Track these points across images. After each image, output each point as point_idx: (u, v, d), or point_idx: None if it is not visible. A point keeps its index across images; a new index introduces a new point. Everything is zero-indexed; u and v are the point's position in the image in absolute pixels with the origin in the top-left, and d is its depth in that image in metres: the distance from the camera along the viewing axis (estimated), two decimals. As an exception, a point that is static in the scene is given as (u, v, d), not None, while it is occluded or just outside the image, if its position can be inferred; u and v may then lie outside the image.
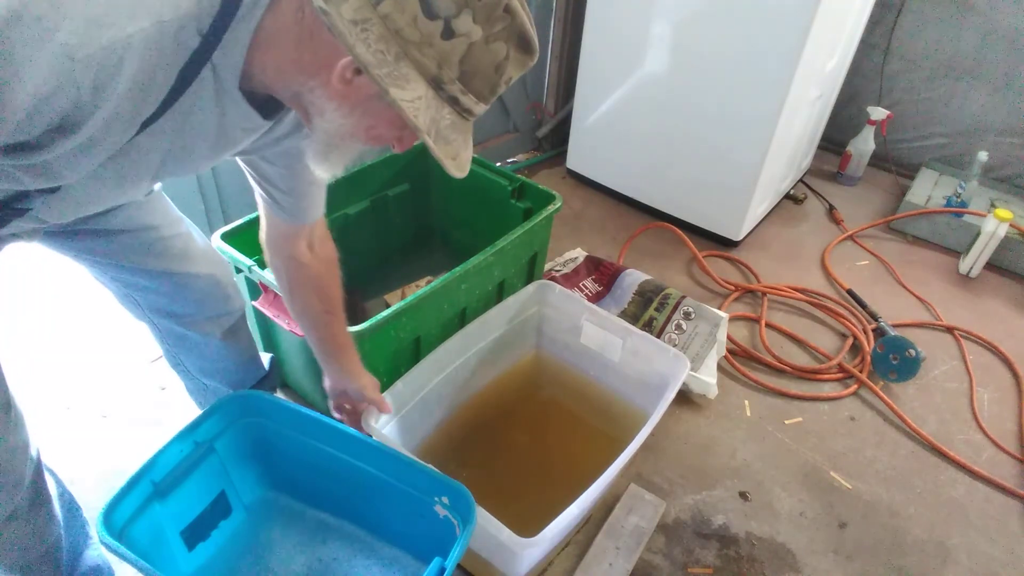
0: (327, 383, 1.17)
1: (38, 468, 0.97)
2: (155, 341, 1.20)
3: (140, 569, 0.90)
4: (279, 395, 1.21)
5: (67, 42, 0.55)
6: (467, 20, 0.64)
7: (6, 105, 0.55)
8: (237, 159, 0.92)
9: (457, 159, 0.72)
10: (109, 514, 0.96)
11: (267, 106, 0.75)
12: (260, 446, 1.20)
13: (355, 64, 0.64)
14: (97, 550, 1.15)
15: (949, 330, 1.96)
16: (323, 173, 0.77)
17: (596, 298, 1.84)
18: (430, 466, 1.04)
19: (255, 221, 1.35)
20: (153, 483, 1.04)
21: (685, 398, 1.64)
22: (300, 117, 0.76)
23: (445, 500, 1.03)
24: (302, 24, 0.66)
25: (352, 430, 1.10)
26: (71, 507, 1.06)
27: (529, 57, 0.72)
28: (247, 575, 1.18)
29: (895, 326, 1.90)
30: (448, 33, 0.64)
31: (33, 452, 0.94)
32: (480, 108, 0.72)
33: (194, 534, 1.14)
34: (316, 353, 1.14)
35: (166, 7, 0.59)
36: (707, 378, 1.60)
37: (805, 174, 2.65)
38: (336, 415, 1.20)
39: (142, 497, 1.02)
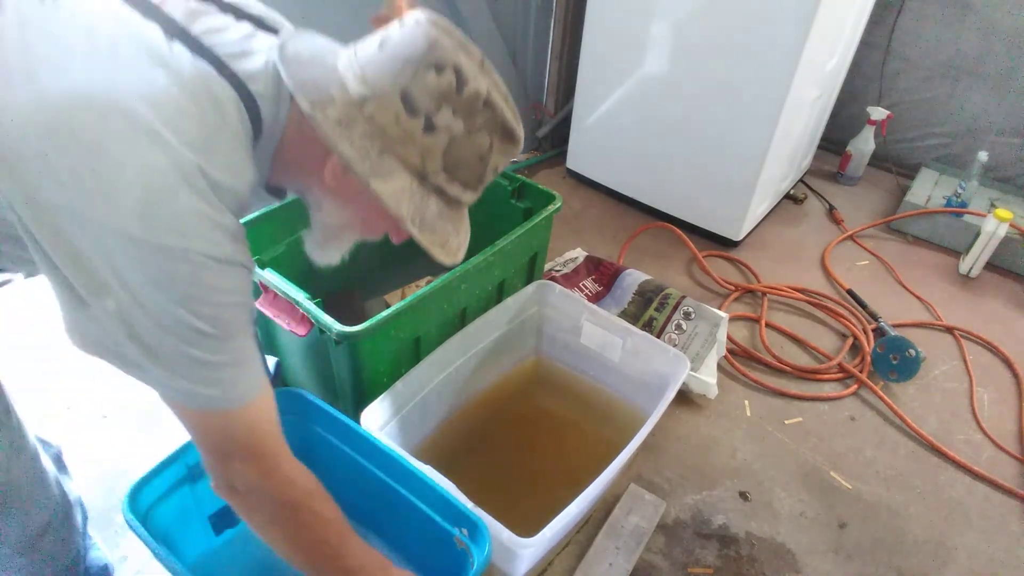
0: None
1: (62, 471, 0.99)
2: None
3: (155, 554, 0.91)
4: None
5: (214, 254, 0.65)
6: (447, 115, 0.68)
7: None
8: None
9: (446, 246, 0.75)
10: (136, 494, 0.97)
11: (279, 191, 0.82)
12: (299, 444, 1.17)
13: (342, 162, 0.69)
14: (99, 550, 1.15)
15: (949, 330, 1.96)
16: (321, 261, 0.82)
17: (596, 298, 1.84)
18: (456, 496, 1.03)
19: (253, 221, 1.36)
20: (187, 466, 1.04)
21: (685, 398, 1.64)
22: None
23: (465, 532, 1.02)
24: (302, 128, 0.71)
25: (386, 446, 1.08)
26: (82, 511, 1.07)
27: (514, 146, 0.75)
28: (264, 562, 1.17)
29: (895, 326, 1.90)
30: (430, 128, 0.68)
31: (49, 465, 0.96)
32: (468, 196, 0.76)
33: (222, 520, 1.15)
34: None
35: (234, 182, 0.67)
36: (707, 378, 1.60)
37: (805, 174, 2.65)
38: None
39: (173, 479, 1.03)
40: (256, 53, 0.69)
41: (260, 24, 0.74)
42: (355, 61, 0.69)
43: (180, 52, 0.64)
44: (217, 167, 0.64)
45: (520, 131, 0.74)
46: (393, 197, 0.69)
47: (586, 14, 2.14)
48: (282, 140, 0.72)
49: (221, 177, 0.64)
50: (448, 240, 0.76)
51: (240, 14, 0.72)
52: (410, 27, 0.68)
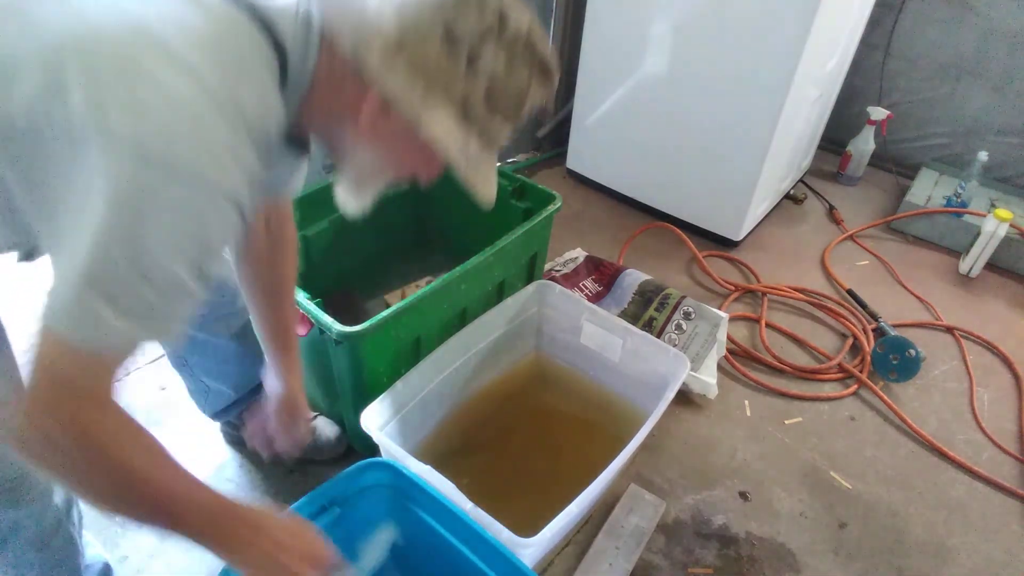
0: (265, 383, 1.13)
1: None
2: (160, 344, 1.20)
3: None
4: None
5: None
6: (490, 51, 0.68)
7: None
8: None
9: (487, 183, 0.75)
10: None
11: (303, 143, 0.80)
12: (394, 519, 1.08)
13: (382, 102, 0.68)
14: (95, 548, 1.15)
15: (949, 330, 1.96)
16: (353, 209, 0.82)
17: (596, 298, 1.84)
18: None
19: (255, 221, 1.35)
20: None
21: (685, 398, 1.64)
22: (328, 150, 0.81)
23: None
24: (332, 73, 0.70)
25: (491, 535, 0.97)
26: (78, 510, 1.06)
27: (550, 82, 0.74)
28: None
29: (895, 326, 1.90)
30: (472, 63, 0.67)
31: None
32: (506, 131, 0.75)
33: None
34: (263, 348, 1.11)
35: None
36: (707, 378, 1.60)
37: (805, 174, 2.65)
38: (249, 430, 1.14)
39: None
40: None
41: None
42: None
43: None
44: (249, 98, 0.63)
45: (556, 67, 0.74)
46: (443, 134, 0.69)
47: (586, 14, 2.14)
48: (311, 88, 0.71)
49: (253, 111, 0.64)
50: (489, 177, 0.75)
51: None
52: None
